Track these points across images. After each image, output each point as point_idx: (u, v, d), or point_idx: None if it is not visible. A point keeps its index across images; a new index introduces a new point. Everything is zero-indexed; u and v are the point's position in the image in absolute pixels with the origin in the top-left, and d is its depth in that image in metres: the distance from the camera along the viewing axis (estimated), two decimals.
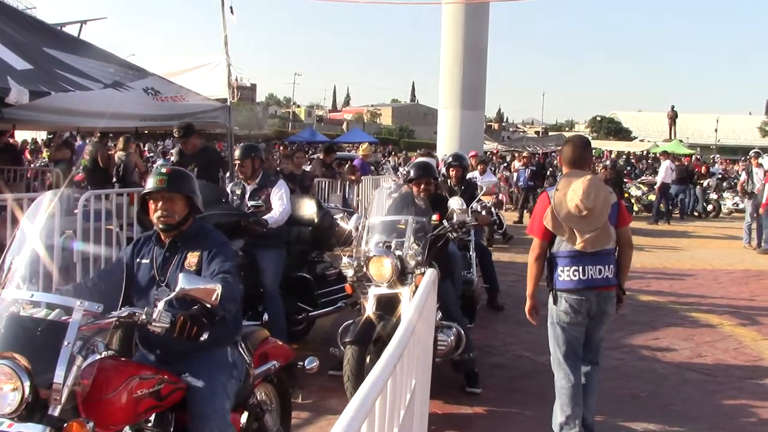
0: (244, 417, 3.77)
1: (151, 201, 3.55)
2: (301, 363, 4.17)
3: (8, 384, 2.60)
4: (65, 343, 2.69)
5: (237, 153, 6.58)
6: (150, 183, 3.54)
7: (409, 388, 3.19)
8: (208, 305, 3.01)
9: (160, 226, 3.51)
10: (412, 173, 6.17)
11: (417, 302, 3.39)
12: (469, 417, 5.43)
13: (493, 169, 21.46)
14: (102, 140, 13.76)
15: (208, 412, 3.25)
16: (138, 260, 3.55)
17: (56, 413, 2.65)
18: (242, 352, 3.65)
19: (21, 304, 2.86)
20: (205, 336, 3.02)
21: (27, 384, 2.59)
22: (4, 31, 8.09)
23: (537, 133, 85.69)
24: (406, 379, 3.00)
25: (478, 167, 13.51)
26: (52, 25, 10.30)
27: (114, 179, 11.68)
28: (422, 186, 5.98)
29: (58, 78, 8.03)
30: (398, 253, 5.19)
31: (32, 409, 2.63)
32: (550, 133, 74.26)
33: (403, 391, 2.95)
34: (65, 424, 2.63)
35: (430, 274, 4.29)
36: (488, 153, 24.93)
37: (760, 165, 15.15)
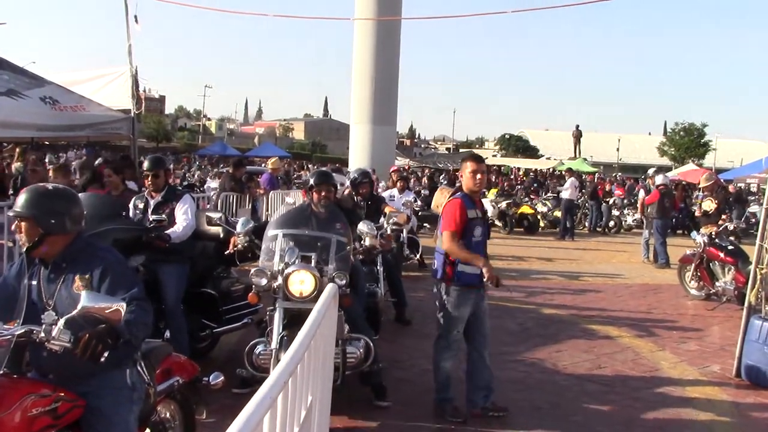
0: None
1: None
2: (206, 378, 4.12)
3: None
4: None
5: (146, 165, 6.44)
6: None
7: (305, 405, 3.17)
8: (113, 325, 2.94)
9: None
10: (312, 180, 6.17)
11: (314, 317, 3.38)
12: (373, 430, 5.45)
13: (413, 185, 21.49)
14: None
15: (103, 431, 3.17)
16: (25, 281, 3.37)
17: None
18: (141, 371, 3.55)
19: None
20: (105, 355, 2.92)
21: None
22: None
23: (448, 149, 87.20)
24: (300, 395, 2.98)
25: (398, 184, 13.10)
26: None
27: (11, 191, 11.19)
28: (323, 193, 6.00)
29: None
30: (326, 269, 5.21)
31: None
32: (461, 150, 75.71)
33: (298, 408, 2.93)
34: None
35: (330, 288, 4.30)
36: (407, 169, 25.13)
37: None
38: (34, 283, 3.35)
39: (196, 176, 26.47)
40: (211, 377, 4.12)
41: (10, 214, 3.43)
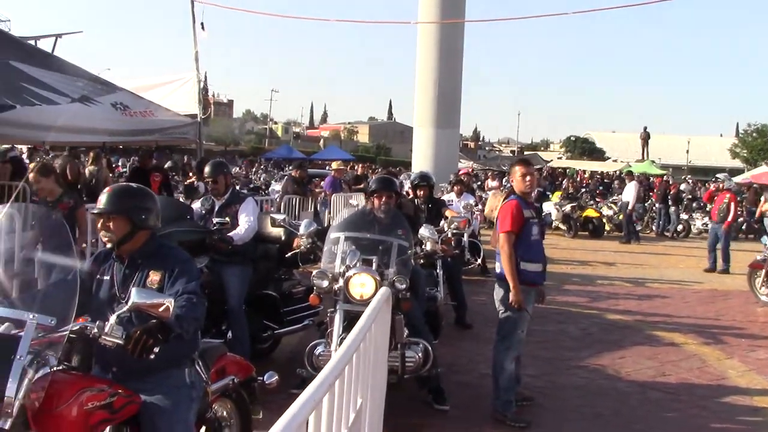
0: (202, 431, 3.76)
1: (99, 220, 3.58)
2: (261, 378, 4.17)
3: None
4: (17, 356, 2.70)
5: (206, 171, 6.56)
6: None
7: (354, 407, 3.18)
8: (163, 321, 3.02)
9: (108, 245, 3.53)
10: (373, 186, 6.23)
11: (365, 320, 3.39)
12: None
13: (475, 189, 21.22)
14: (72, 154, 13.68)
15: (167, 429, 3.25)
16: (99, 276, 3.53)
17: (7, 426, 2.66)
18: (199, 370, 3.65)
19: None
20: (156, 350, 3.00)
21: None
22: None
23: (513, 152, 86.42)
24: (349, 397, 3.01)
25: (455, 188, 12.85)
26: (24, 38, 10.29)
27: (84, 195, 11.59)
28: (383, 199, 6.02)
29: (24, 92, 8.03)
30: (386, 273, 5.23)
31: None
32: (525, 153, 74.97)
33: (346, 410, 2.95)
34: None
35: (383, 292, 4.31)
36: (471, 172, 24.96)
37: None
38: (107, 278, 3.50)
39: (261, 179, 26.88)
40: (265, 377, 4.17)
41: (95, 212, 3.57)
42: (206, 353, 3.80)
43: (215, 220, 6.26)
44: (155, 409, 3.27)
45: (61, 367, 3.03)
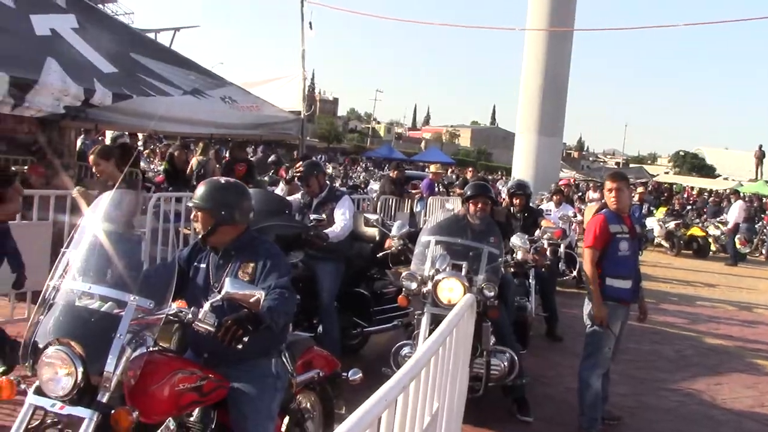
0: (285, 421, 3.85)
1: None
2: (346, 374, 4.22)
3: (63, 368, 2.77)
4: (117, 335, 2.84)
5: (302, 171, 6.72)
6: None
7: (430, 411, 3.17)
8: (254, 312, 3.11)
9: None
10: (468, 192, 6.24)
11: (446, 325, 3.38)
12: None
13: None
14: (183, 144, 14.26)
15: (252, 416, 3.34)
16: (195, 264, 3.66)
17: (105, 400, 2.80)
18: (285, 361, 3.73)
19: (77, 295, 3.02)
20: (245, 340, 3.08)
21: (80, 370, 2.76)
22: (95, 36, 8.48)
23: (617, 164, 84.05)
24: (425, 400, 3.01)
25: (554, 198, 12.67)
26: (145, 30, 10.75)
27: (194, 182, 12.03)
28: (479, 205, 6.04)
29: (140, 82, 8.36)
30: (475, 279, 5.23)
31: (83, 393, 2.78)
32: (630, 165, 72.80)
33: (421, 413, 2.96)
34: (112, 411, 2.76)
35: (468, 299, 4.30)
36: (573, 182, 24.35)
37: None
38: (203, 266, 3.62)
39: (362, 177, 27.18)
40: (350, 373, 4.21)
41: (190, 204, 3.71)
42: (294, 346, 3.88)
43: (312, 216, 6.39)
44: (242, 396, 3.37)
45: (156, 348, 3.16)
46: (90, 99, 7.36)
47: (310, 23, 10.61)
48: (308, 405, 4.14)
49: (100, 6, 12.87)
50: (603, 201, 6.12)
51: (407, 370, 2.58)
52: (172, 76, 9.01)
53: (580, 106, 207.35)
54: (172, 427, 3.18)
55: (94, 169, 6.05)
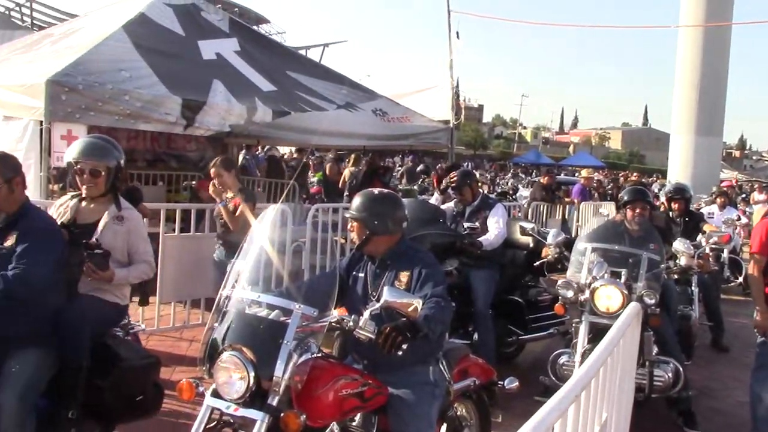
0: (443, 429, 3.85)
1: None
2: (502, 382, 4.17)
3: (237, 373, 2.90)
4: (284, 341, 2.94)
5: (454, 180, 6.74)
6: None
7: (599, 421, 3.12)
8: (412, 320, 3.13)
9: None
10: (626, 197, 6.02)
11: (613, 334, 3.31)
12: None
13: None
14: (336, 157, 14.70)
15: (412, 422, 3.37)
16: (354, 273, 3.74)
17: (275, 403, 2.90)
18: (443, 369, 3.74)
19: (246, 303, 3.16)
20: (404, 347, 3.10)
21: (252, 374, 2.88)
22: (254, 56, 8.96)
23: None
24: (594, 410, 2.95)
25: (717, 200, 11.94)
26: (296, 48, 11.20)
27: (346, 193, 12.32)
28: (637, 210, 5.83)
29: (297, 99, 8.73)
30: (634, 286, 5.07)
31: (255, 397, 2.90)
32: None
33: (591, 423, 2.91)
34: (281, 414, 2.86)
35: (633, 307, 4.16)
36: (735, 184, 22.83)
37: None
38: (361, 275, 3.70)
39: (509, 184, 26.84)
40: (506, 381, 4.16)
41: (347, 215, 3.79)
42: (450, 354, 3.88)
43: (466, 224, 6.42)
44: (401, 402, 3.39)
45: (320, 354, 3.24)
46: (252, 117, 7.77)
47: (457, 33, 10.64)
48: (465, 413, 4.12)
49: (255, 27, 13.50)
50: None
51: (578, 379, 2.54)
52: (326, 92, 9.34)
53: (741, 101, 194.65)
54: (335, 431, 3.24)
55: (215, 180, 6.19)
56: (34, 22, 13.74)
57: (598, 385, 2.93)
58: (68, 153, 4.07)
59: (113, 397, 3.77)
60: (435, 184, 7.80)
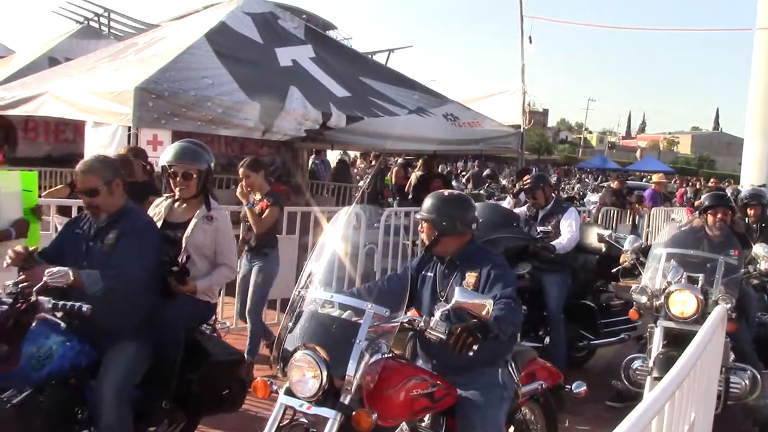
0: (510, 431, 3.76)
1: None
2: (569, 386, 4.06)
3: (310, 371, 2.87)
4: (357, 340, 2.90)
5: (527, 183, 6.71)
6: None
7: (688, 420, 3.02)
8: (483, 321, 3.05)
9: None
10: (706, 202, 5.82)
11: (699, 340, 3.20)
12: None
13: None
14: (405, 162, 14.62)
15: (480, 424, 3.29)
16: (423, 273, 3.67)
17: (347, 402, 2.86)
18: (511, 371, 3.65)
19: (319, 303, 3.13)
20: (475, 348, 3.01)
21: (325, 373, 2.84)
22: (328, 63, 9.00)
23: None
24: (685, 408, 2.88)
25: None
26: (364, 53, 11.18)
27: (410, 196, 12.23)
28: (718, 215, 5.62)
29: (370, 104, 8.74)
30: (710, 291, 4.90)
31: (327, 395, 2.87)
32: None
33: (682, 421, 2.84)
34: (353, 413, 2.82)
35: (719, 311, 3.98)
36: None
37: None
38: (430, 275, 3.63)
39: (576, 189, 26.31)
40: (573, 386, 4.06)
41: (417, 216, 3.75)
42: (518, 356, 3.79)
43: (539, 228, 6.32)
44: (470, 404, 3.32)
45: (390, 355, 3.18)
46: (327, 122, 7.80)
47: (530, 38, 10.44)
48: (532, 417, 4.03)
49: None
50: None
51: (662, 390, 2.44)
52: (397, 97, 9.31)
53: None
54: (405, 431, 3.19)
55: (243, 182, 5.98)
56: (112, 31, 14.05)
57: (683, 396, 2.82)
58: (163, 156, 4.18)
59: (202, 390, 3.87)
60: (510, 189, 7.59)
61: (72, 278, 3.24)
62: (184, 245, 3.98)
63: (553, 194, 6.78)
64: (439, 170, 14.73)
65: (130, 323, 3.62)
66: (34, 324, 3.18)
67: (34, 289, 3.16)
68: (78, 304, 3.17)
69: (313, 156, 14.41)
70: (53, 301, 3.18)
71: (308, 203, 8.50)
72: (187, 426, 4.09)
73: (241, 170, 6.03)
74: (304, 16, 9.42)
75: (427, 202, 3.63)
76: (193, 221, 4.07)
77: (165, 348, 3.72)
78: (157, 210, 4.20)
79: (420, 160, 13.63)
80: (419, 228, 3.76)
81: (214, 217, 4.12)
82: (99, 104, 7.13)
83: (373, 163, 16.20)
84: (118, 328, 3.57)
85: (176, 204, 4.20)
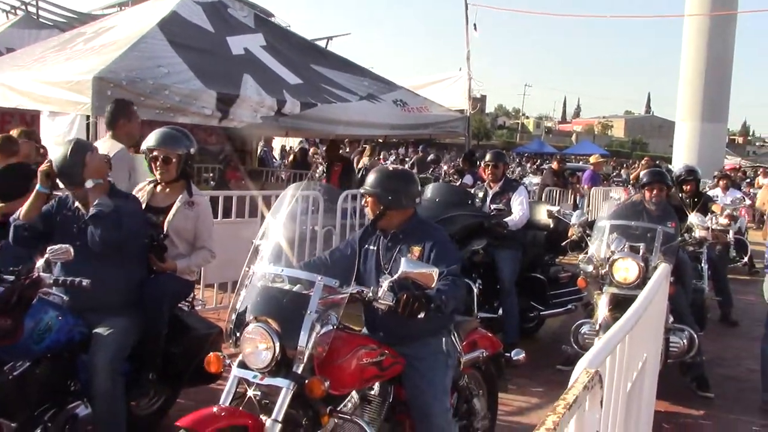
0: (454, 397, 3.76)
1: None
2: (509, 354, 4.10)
3: (263, 343, 2.82)
4: (308, 311, 2.85)
5: (488, 157, 6.74)
6: None
7: (641, 358, 3.14)
8: (427, 293, 3.04)
9: None
10: (645, 179, 5.98)
11: (651, 287, 3.36)
12: (695, 418, 5.16)
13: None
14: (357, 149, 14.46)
15: (428, 390, 3.30)
16: (366, 246, 3.60)
17: (299, 371, 2.83)
18: (454, 340, 3.64)
19: (269, 278, 3.08)
20: (421, 315, 3.00)
21: (277, 344, 2.79)
22: (279, 50, 8.79)
23: None
24: (637, 348, 2.95)
25: (720, 183, 11.79)
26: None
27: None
28: (654, 191, 5.78)
29: (322, 91, 8.57)
30: (650, 259, 5.06)
31: (280, 366, 2.82)
32: None
33: (635, 361, 2.94)
34: (306, 381, 2.80)
35: (665, 266, 4.13)
36: (738, 169, 22.34)
37: None
38: (373, 248, 3.54)
39: (516, 173, 26.45)
40: (513, 353, 4.09)
41: (361, 191, 3.70)
42: (460, 326, 3.78)
43: (492, 206, 6.45)
44: (416, 372, 3.33)
45: (340, 327, 3.13)
46: (282, 109, 7.61)
47: (475, 25, 10.37)
48: (474, 384, 4.03)
49: None
50: None
51: (634, 311, 2.73)
52: (348, 83, 9.16)
53: (744, 89, 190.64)
54: (355, 399, 3.17)
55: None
56: (41, 20, 13.37)
57: (641, 327, 2.94)
58: (145, 142, 4.17)
59: (184, 362, 3.96)
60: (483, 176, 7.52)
61: (72, 255, 3.31)
62: (165, 229, 4.03)
63: (505, 173, 6.83)
64: (380, 156, 14.54)
65: (121, 299, 3.72)
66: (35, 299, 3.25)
67: (37, 266, 3.26)
68: (78, 279, 3.28)
69: (261, 143, 14.09)
70: (54, 276, 3.33)
71: (263, 188, 8.24)
72: (168, 397, 4.20)
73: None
74: (241, 3, 9.12)
75: (371, 177, 3.56)
76: (176, 206, 4.12)
77: (151, 322, 3.81)
78: (140, 194, 4.21)
79: (368, 147, 13.50)
80: (363, 203, 3.68)
81: (196, 203, 4.17)
82: (55, 94, 6.83)
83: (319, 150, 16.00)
84: (110, 304, 3.65)
85: (158, 188, 4.23)
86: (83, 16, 12.86)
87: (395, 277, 3.02)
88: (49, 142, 6.96)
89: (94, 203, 3.63)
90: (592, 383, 1.91)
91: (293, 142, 18.89)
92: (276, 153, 16.11)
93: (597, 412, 2.02)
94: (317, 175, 13.08)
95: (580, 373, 1.94)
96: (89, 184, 3.65)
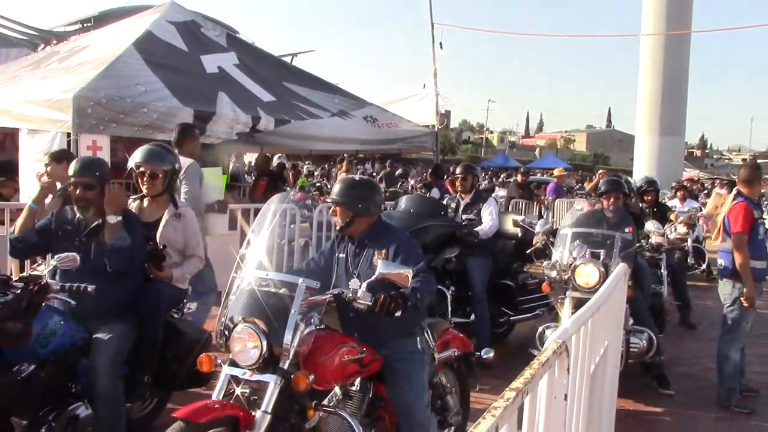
0: (429, 394, 3.83)
1: None
2: (479, 353, 4.24)
3: (251, 342, 2.96)
4: (292, 311, 2.99)
5: (458, 170, 6.89)
6: None
7: (603, 346, 3.28)
8: (402, 292, 3.18)
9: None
10: (603, 188, 6.18)
11: (610, 282, 3.47)
12: (657, 414, 5.31)
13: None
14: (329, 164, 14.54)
15: (407, 387, 3.43)
16: (337, 254, 3.75)
17: (285, 367, 2.96)
18: (428, 339, 3.78)
19: (255, 283, 3.19)
20: (398, 313, 3.14)
21: (265, 343, 2.93)
22: (252, 69, 8.93)
23: (744, 160, 78.16)
24: (599, 334, 3.10)
25: (678, 194, 12.06)
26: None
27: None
28: (612, 199, 5.98)
29: (295, 108, 8.72)
30: (610, 264, 5.20)
31: (267, 363, 2.96)
32: (759, 161, 67.53)
33: (597, 345, 3.09)
34: (292, 376, 2.94)
35: (622, 267, 4.24)
36: (696, 180, 22.85)
37: None
38: (342, 255, 3.69)
39: (483, 186, 26.82)
40: (483, 352, 4.24)
41: (329, 200, 3.83)
42: (433, 327, 3.93)
43: (464, 216, 6.59)
44: (395, 370, 3.46)
45: (322, 327, 3.28)
46: (256, 125, 7.74)
47: (441, 43, 10.64)
48: (447, 381, 4.17)
49: None
50: (736, 190, 5.75)
51: (599, 296, 2.94)
52: (320, 100, 9.33)
53: (701, 104, 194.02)
54: (338, 394, 3.32)
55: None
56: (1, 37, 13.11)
57: (601, 316, 3.11)
58: (132, 158, 4.33)
59: (176, 366, 4.08)
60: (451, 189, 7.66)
61: (78, 263, 3.47)
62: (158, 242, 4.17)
63: (475, 185, 6.97)
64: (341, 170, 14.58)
65: (120, 305, 3.85)
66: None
67: (45, 272, 3.42)
68: (84, 285, 3.41)
69: (233, 159, 14.11)
70: (61, 283, 3.44)
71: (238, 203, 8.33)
72: (161, 399, 4.30)
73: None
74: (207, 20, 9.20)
75: (338, 186, 3.69)
76: (164, 219, 4.29)
77: (149, 327, 3.93)
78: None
79: (345, 162, 13.62)
80: (331, 211, 3.82)
81: (183, 214, 4.35)
82: (35, 112, 6.90)
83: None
84: (110, 310, 3.77)
85: (145, 203, 4.40)
86: (45, 33, 12.77)
87: (372, 278, 3.16)
88: (29, 159, 6.98)
89: (114, 236, 3.81)
90: (560, 350, 2.19)
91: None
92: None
93: (565, 377, 2.30)
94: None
95: (550, 343, 2.25)
96: (111, 219, 3.81)
